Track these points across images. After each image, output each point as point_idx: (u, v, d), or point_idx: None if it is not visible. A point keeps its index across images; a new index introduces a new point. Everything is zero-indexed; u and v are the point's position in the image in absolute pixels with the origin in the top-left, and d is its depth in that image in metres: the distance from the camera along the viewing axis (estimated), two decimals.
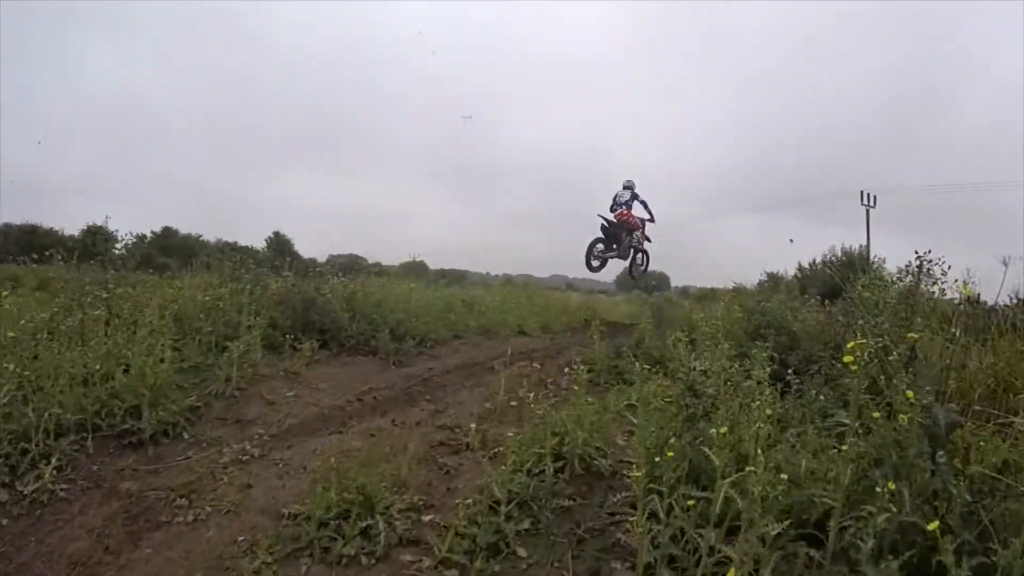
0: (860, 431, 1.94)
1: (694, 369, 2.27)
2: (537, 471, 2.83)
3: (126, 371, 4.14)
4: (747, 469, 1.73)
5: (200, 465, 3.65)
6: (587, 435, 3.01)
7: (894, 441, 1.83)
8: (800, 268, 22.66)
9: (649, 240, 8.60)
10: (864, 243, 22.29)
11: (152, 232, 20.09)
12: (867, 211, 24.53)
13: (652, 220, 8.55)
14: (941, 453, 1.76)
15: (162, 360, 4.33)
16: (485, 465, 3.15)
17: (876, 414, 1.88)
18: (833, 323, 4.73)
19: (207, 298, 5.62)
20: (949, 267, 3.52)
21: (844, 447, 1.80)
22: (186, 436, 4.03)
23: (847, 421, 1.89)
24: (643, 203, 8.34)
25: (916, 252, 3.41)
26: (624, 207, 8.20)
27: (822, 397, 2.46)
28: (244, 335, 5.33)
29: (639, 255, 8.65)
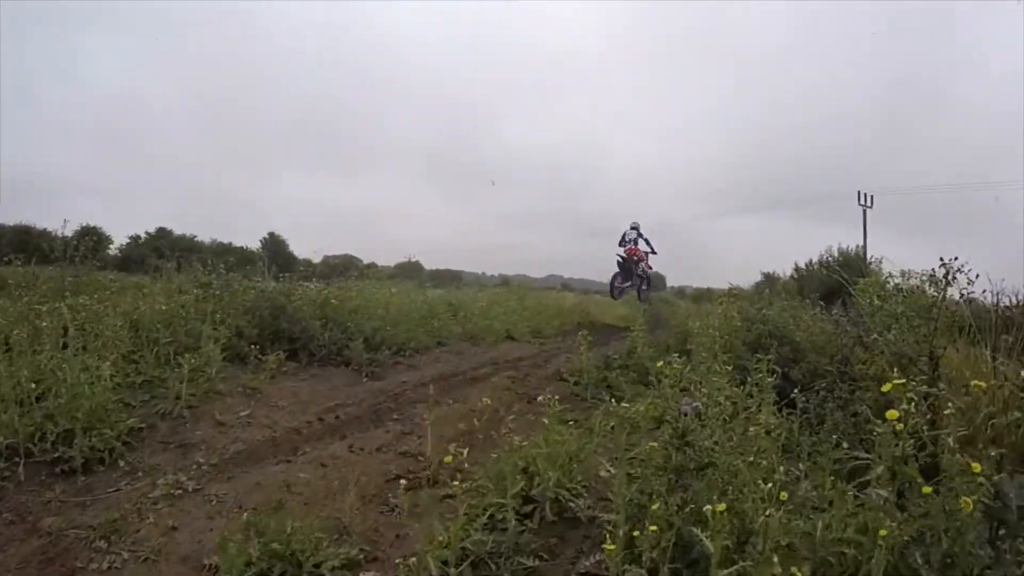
0: (897, 502, 1.44)
1: (686, 414, 1.78)
2: (500, 517, 2.34)
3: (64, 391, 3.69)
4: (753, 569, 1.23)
5: (129, 499, 3.18)
6: (561, 474, 2.51)
7: (945, 525, 1.33)
8: (797, 268, 22.09)
9: (651, 268, 10.57)
10: (861, 243, 21.76)
11: (147, 233, 19.62)
12: (864, 211, 23.97)
13: (654, 252, 10.52)
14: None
15: (101, 378, 3.87)
16: (443, 508, 2.65)
17: (927, 490, 1.39)
18: (840, 333, 4.22)
19: (165, 307, 5.12)
20: (977, 276, 3.01)
21: (882, 531, 1.30)
22: (122, 464, 3.56)
23: (883, 492, 1.39)
24: (646, 240, 10.35)
25: (941, 259, 2.90)
26: (632, 243, 10.12)
27: (845, 445, 1.95)
28: (204, 346, 4.86)
29: (643, 282, 10.48)
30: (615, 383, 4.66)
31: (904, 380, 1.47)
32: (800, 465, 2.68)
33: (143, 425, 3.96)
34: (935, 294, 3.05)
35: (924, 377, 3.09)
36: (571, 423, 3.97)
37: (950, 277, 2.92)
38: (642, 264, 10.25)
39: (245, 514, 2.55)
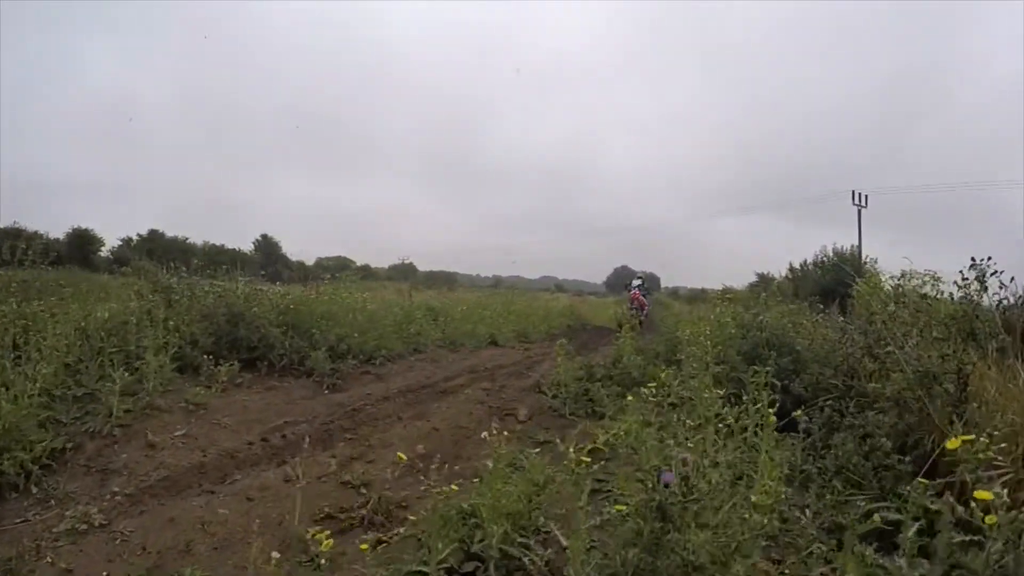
0: None
1: (667, 485, 1.25)
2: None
3: None
4: None
5: (32, 533, 2.68)
6: (511, 525, 1.98)
7: None
8: (791, 269, 21.50)
9: (647, 306, 13.41)
10: (856, 243, 21.17)
11: (138, 235, 19.11)
12: (859, 211, 23.43)
13: (649, 295, 14.03)
14: None
15: (25, 393, 3.40)
16: (374, 558, 2.12)
17: None
18: (846, 342, 3.69)
19: (108, 313, 4.60)
20: (1012, 279, 2.48)
21: None
22: (35, 490, 3.06)
23: None
24: (646, 290, 13.72)
25: (972, 259, 2.37)
26: (636, 290, 13.25)
27: (879, 517, 1.42)
28: (146, 356, 4.35)
29: (644, 316, 12.99)
30: (597, 396, 4.13)
31: (971, 437, 0.96)
32: (807, 511, 2.15)
33: (69, 445, 3.47)
34: (963, 299, 2.51)
35: (950, 397, 2.57)
36: (543, 444, 3.46)
37: (984, 280, 2.39)
38: (646, 309, 13.33)
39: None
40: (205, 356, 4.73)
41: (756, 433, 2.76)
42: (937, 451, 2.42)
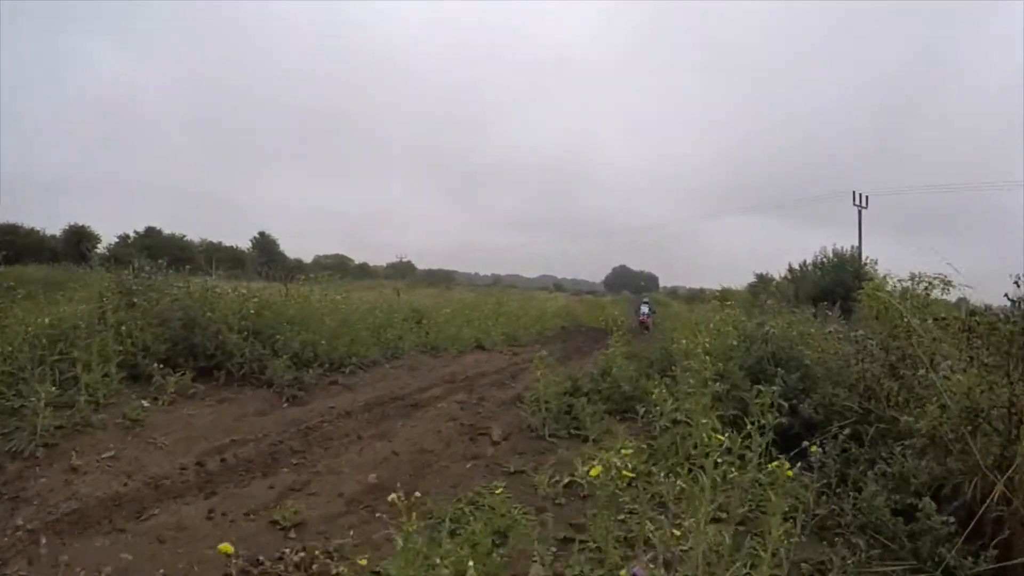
0: None
1: None
2: None
3: None
4: None
5: None
6: None
7: None
8: (791, 270, 20.85)
9: (650, 323, 14.93)
10: (856, 244, 20.50)
11: (135, 232, 18.71)
12: (859, 212, 22.74)
13: (654, 313, 15.85)
14: None
15: None
16: None
17: None
18: (863, 357, 3.19)
19: (48, 320, 4.16)
20: None
21: None
22: None
23: None
24: (652, 312, 15.51)
25: None
26: (644, 316, 14.89)
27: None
28: (92, 366, 3.91)
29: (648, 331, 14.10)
30: (581, 415, 3.64)
31: None
32: None
33: None
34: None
35: (999, 436, 2.08)
36: (513, 475, 2.99)
37: None
38: (650, 327, 14.81)
39: None
40: (158, 364, 4.28)
41: (760, 467, 2.30)
42: (985, 505, 1.93)
